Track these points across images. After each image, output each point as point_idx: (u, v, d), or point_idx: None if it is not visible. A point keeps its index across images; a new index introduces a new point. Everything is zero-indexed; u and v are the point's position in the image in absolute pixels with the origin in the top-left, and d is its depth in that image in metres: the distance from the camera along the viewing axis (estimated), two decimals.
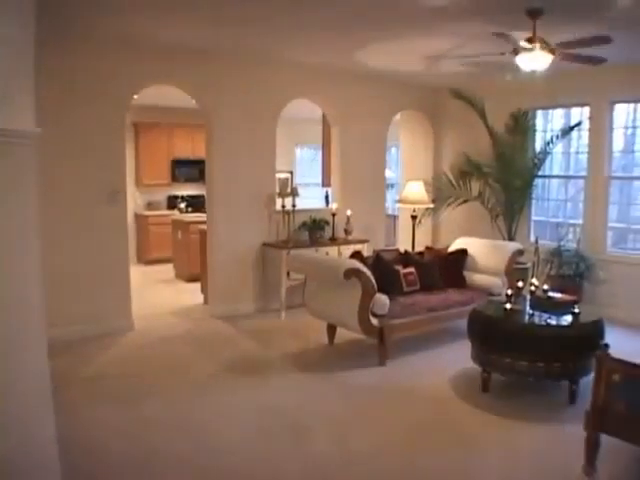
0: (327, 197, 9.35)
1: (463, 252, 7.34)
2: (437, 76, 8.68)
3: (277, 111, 8.02)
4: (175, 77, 7.25)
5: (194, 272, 9.19)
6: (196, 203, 11.99)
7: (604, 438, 3.92)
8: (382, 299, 5.87)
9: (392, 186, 13.13)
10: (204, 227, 8.09)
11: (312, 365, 6.01)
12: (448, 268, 7.05)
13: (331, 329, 6.58)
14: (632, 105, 8.30)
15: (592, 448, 3.92)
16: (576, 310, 5.32)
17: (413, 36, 6.44)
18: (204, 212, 8.39)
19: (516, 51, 5.54)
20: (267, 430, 4.55)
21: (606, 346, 3.95)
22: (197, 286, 8.77)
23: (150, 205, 12.12)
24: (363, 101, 8.91)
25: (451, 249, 7.53)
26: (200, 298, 8.51)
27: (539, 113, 9.15)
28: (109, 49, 6.57)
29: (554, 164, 9.12)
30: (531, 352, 4.96)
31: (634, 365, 3.80)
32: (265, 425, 4.64)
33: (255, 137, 7.79)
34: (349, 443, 4.37)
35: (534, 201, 9.18)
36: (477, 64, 6.53)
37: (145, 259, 11.67)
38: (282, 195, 7.97)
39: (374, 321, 5.85)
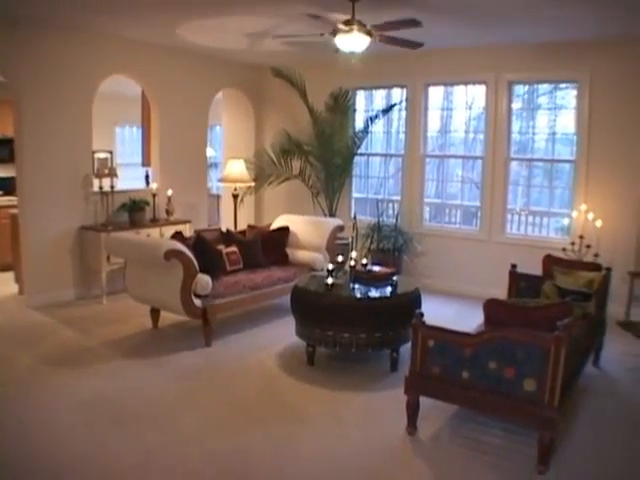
0: (147, 177, 9.05)
1: (285, 229, 7.41)
2: (259, 54, 8.65)
3: (93, 87, 7.60)
4: None
5: (6, 261, 8.57)
6: (6, 186, 11.11)
7: (424, 399, 4.18)
8: (204, 279, 5.79)
9: (216, 165, 13.02)
10: (16, 211, 7.54)
11: (137, 350, 5.83)
12: (271, 246, 7.10)
13: (155, 312, 6.43)
14: (449, 88, 8.75)
15: (413, 410, 4.21)
16: (394, 282, 5.55)
17: (233, 14, 6.34)
18: (16, 195, 7.83)
19: (335, 32, 5.63)
20: (94, 422, 4.35)
21: (421, 315, 4.13)
22: (10, 275, 8.18)
23: None
24: (184, 79, 8.71)
25: (273, 227, 7.59)
26: (14, 288, 7.93)
27: (362, 93, 9.41)
28: None
29: (376, 143, 9.43)
30: (352, 324, 5.12)
31: (446, 330, 4.05)
32: (91, 417, 4.43)
33: (70, 114, 7.34)
34: (178, 427, 4.29)
35: (356, 179, 9.45)
36: (297, 44, 6.57)
37: None
38: (100, 176, 7.62)
39: (197, 302, 5.77)
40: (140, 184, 9.51)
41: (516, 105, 8.21)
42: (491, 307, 4.24)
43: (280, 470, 3.77)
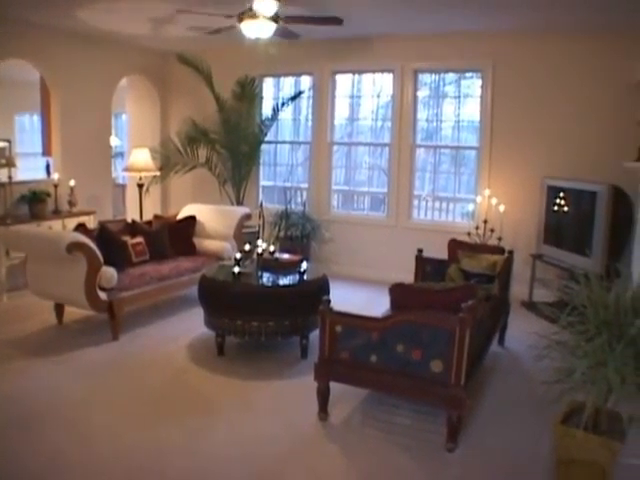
0: (48, 167, 8.74)
1: (192, 219, 7.31)
2: (164, 40, 8.47)
3: None
4: None
5: None
6: None
7: (335, 385, 4.23)
8: (109, 272, 5.64)
9: (122, 155, 12.70)
10: None
11: (41, 348, 5.60)
12: (178, 236, 6.99)
13: (59, 308, 6.22)
14: (357, 76, 8.79)
15: (323, 396, 4.24)
16: (302, 269, 5.55)
17: None
18: None
19: (241, 18, 5.57)
20: None
21: (328, 301, 4.15)
22: None
23: None
24: (86, 64, 8.39)
25: (180, 217, 7.46)
26: None
27: (270, 80, 9.35)
28: None
29: (285, 131, 9.41)
30: (261, 312, 5.12)
31: (353, 316, 4.08)
32: None
33: None
34: (87, 425, 4.16)
35: (264, 167, 9.41)
36: (203, 29, 6.46)
37: None
38: None
39: (102, 295, 5.61)
40: (41, 174, 9.20)
41: (423, 93, 8.36)
42: (397, 291, 4.30)
43: (193, 463, 3.72)
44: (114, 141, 10.71)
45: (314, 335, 5.11)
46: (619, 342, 3.05)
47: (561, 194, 6.95)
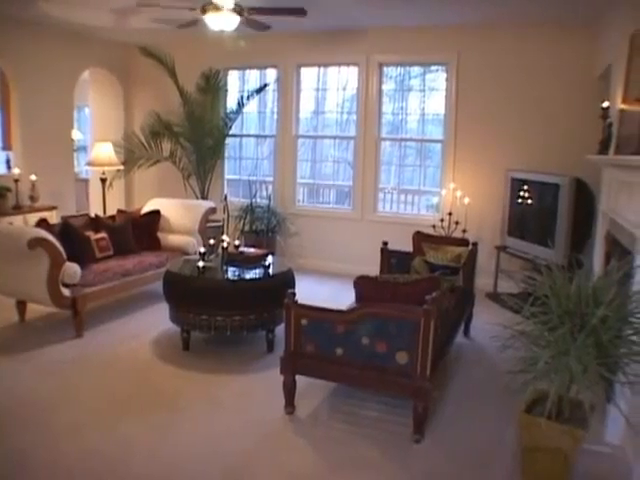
0: (9, 161, 8.58)
1: (156, 213, 7.23)
2: (127, 32, 8.36)
3: None
4: None
5: None
6: None
7: (302, 378, 4.23)
8: (72, 268, 5.56)
9: (85, 149, 12.52)
10: None
11: (3, 347, 5.50)
12: (142, 231, 6.91)
13: (21, 305, 6.10)
14: (322, 69, 8.76)
15: (289, 390, 4.23)
16: (267, 263, 5.53)
17: None
18: None
19: (205, 10, 5.52)
20: None
21: (293, 294, 4.15)
22: None
23: None
24: (47, 56, 8.25)
25: (144, 211, 7.38)
26: None
27: (234, 73, 9.30)
28: None
29: (250, 124, 9.36)
30: (226, 307, 5.09)
31: (318, 309, 4.08)
32: None
33: None
34: (53, 424, 4.09)
35: (229, 160, 9.37)
36: (166, 21, 6.39)
37: None
38: None
39: (66, 292, 5.53)
40: (1, 169, 9.03)
41: (389, 87, 8.38)
42: (361, 284, 4.30)
43: (159, 459, 3.68)
44: (76, 135, 10.56)
45: (280, 329, 5.08)
46: (581, 332, 3.09)
47: (525, 186, 7.02)
